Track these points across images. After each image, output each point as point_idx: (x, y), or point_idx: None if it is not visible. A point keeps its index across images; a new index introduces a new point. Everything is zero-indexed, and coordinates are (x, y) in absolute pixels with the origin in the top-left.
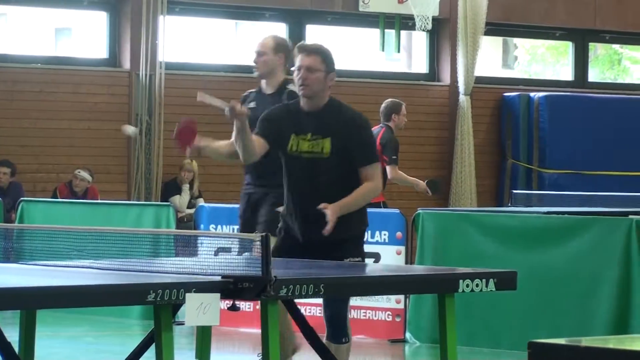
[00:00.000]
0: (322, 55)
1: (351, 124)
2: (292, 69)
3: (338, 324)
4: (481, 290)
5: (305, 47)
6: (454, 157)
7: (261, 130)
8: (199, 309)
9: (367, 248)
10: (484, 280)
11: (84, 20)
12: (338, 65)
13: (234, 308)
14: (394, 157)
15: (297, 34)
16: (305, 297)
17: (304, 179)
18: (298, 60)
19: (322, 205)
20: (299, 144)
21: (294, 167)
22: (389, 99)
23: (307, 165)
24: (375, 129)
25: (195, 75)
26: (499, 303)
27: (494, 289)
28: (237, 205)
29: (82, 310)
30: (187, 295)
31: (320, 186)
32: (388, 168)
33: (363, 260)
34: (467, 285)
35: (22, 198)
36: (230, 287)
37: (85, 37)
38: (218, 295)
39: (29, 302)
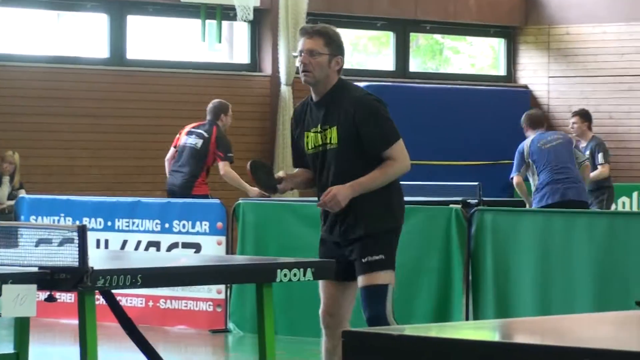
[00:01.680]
0: (325, 37)
1: (359, 109)
2: (294, 54)
3: (378, 325)
4: (299, 279)
5: (307, 29)
6: (276, 147)
7: (295, 152)
8: (15, 300)
9: (188, 239)
10: (301, 269)
11: None
12: (160, 56)
13: (50, 299)
14: (230, 154)
15: (118, 25)
16: (123, 287)
17: (319, 172)
18: (300, 43)
19: (326, 194)
20: (309, 138)
21: (312, 162)
22: (217, 100)
23: (320, 157)
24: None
25: (18, 67)
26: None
27: (312, 278)
28: (59, 197)
29: None
30: (4, 286)
31: (333, 177)
32: (221, 164)
33: (391, 258)
34: (285, 275)
35: None
36: (47, 279)
37: None
38: (34, 286)
39: None
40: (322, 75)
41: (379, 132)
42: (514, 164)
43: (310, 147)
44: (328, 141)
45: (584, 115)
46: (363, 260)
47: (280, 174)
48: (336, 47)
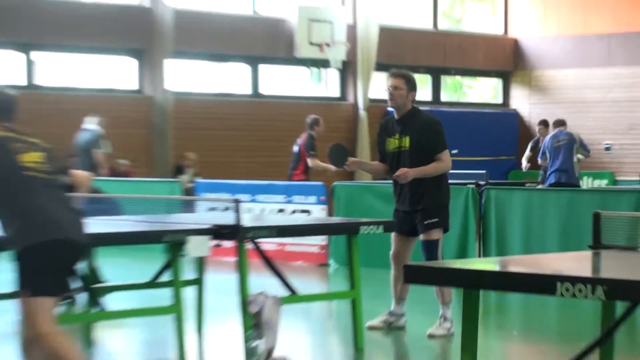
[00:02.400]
0: (405, 78)
1: (425, 126)
2: (385, 89)
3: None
4: (374, 232)
5: (394, 71)
6: (357, 148)
7: (378, 150)
8: (197, 246)
9: (303, 207)
10: (376, 226)
11: None
12: (288, 92)
13: (218, 245)
14: (312, 152)
15: (255, 73)
16: (263, 237)
17: (395, 164)
18: (389, 81)
19: (399, 171)
20: (390, 142)
21: (390, 158)
22: (311, 115)
23: (396, 155)
24: (303, 136)
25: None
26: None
27: (382, 231)
28: (222, 181)
29: (121, 248)
30: (190, 237)
31: (403, 167)
32: (309, 160)
33: (442, 223)
34: (365, 229)
35: None
36: (216, 232)
37: None
38: (208, 237)
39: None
40: (402, 103)
41: (434, 142)
42: (540, 152)
43: (390, 148)
44: (403, 145)
45: (544, 123)
46: (424, 223)
47: (352, 159)
48: (412, 85)
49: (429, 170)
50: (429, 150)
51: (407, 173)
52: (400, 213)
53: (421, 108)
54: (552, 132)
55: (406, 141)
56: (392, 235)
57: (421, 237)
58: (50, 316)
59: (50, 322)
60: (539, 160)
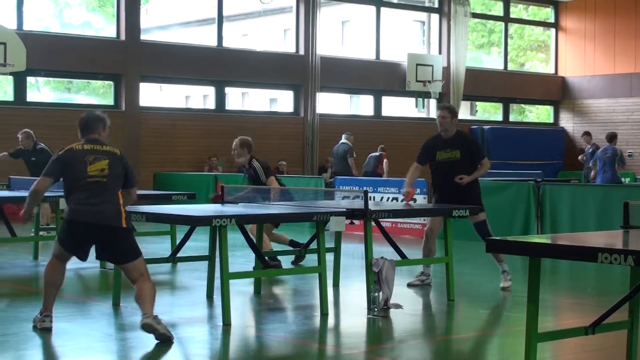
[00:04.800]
0: (447, 109)
1: (468, 142)
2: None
3: (485, 237)
4: (462, 215)
5: (440, 105)
6: None
7: (419, 156)
8: (336, 223)
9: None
10: (464, 210)
11: None
12: (390, 113)
13: (351, 223)
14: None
15: (376, 104)
16: (383, 218)
17: (447, 170)
18: (438, 112)
19: (459, 177)
20: (440, 154)
21: (441, 165)
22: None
23: (448, 164)
24: (376, 154)
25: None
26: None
27: (468, 214)
28: (355, 177)
29: (290, 224)
30: (331, 217)
31: (456, 173)
32: (385, 162)
33: (481, 208)
34: (456, 213)
35: None
36: (349, 214)
37: None
38: (344, 217)
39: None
40: (448, 127)
41: (476, 153)
42: (592, 158)
43: (441, 159)
44: (452, 156)
45: (587, 134)
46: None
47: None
48: (455, 114)
49: (479, 175)
50: (477, 158)
51: (463, 179)
52: (438, 202)
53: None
54: (605, 145)
55: (457, 153)
56: (429, 218)
57: (475, 220)
58: (57, 253)
59: (54, 256)
60: (590, 163)
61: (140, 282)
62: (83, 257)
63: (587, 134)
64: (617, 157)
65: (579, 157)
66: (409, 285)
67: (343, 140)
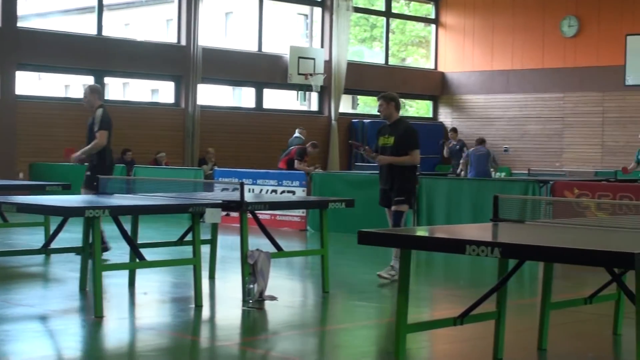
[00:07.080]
0: (383, 98)
1: (403, 130)
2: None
3: (397, 226)
4: (338, 207)
5: (381, 95)
6: (330, 150)
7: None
8: (211, 215)
9: (290, 189)
10: (340, 203)
11: None
12: (283, 106)
13: (227, 215)
14: (299, 156)
15: (258, 96)
16: (260, 210)
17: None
18: (380, 101)
19: (377, 156)
20: (381, 139)
21: (381, 150)
22: (311, 142)
23: (384, 149)
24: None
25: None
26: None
27: (344, 207)
28: (231, 169)
29: (158, 216)
30: (207, 209)
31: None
32: (296, 162)
33: (407, 201)
34: (332, 205)
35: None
36: (225, 205)
37: None
38: (220, 209)
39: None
40: (388, 114)
41: (407, 142)
42: (464, 156)
43: (380, 143)
44: (388, 142)
45: (454, 130)
46: (395, 199)
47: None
48: (389, 100)
49: (399, 161)
50: (406, 147)
51: (381, 158)
52: (382, 191)
53: (375, 120)
54: (475, 146)
55: (391, 140)
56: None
57: (392, 208)
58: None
59: None
60: (461, 161)
61: None
62: None
63: (454, 130)
64: (490, 157)
65: (444, 152)
66: (379, 276)
67: (296, 134)
